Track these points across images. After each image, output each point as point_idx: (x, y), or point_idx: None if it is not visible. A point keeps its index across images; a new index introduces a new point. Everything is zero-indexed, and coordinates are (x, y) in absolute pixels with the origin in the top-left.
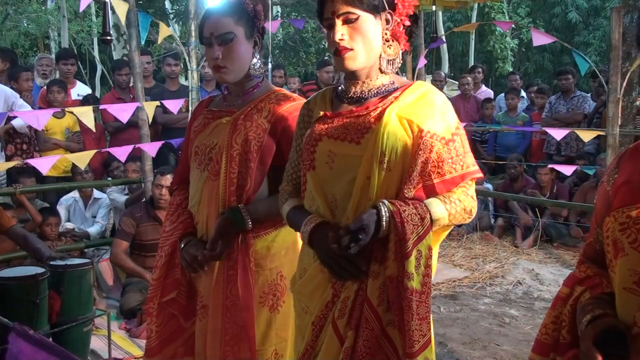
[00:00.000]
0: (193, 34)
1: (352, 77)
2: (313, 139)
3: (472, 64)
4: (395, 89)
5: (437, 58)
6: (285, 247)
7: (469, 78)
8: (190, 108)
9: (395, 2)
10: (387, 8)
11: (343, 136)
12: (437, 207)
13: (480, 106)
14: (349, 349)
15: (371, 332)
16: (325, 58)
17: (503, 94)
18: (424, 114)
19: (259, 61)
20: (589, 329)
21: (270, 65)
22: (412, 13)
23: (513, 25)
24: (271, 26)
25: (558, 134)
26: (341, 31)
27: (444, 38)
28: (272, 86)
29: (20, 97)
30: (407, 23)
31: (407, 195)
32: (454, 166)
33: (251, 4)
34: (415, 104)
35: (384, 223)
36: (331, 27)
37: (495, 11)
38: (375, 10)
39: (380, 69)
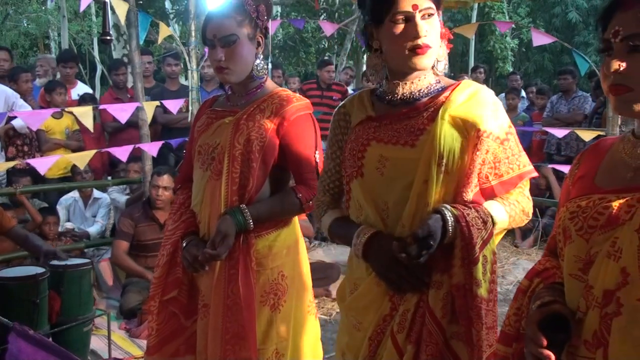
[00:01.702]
0: (193, 34)
1: (403, 77)
2: (360, 144)
3: (472, 63)
4: (444, 89)
5: None
6: (286, 247)
7: (466, 77)
8: (190, 108)
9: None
10: (440, 4)
11: (395, 139)
12: (498, 210)
13: None
14: None
15: (435, 346)
16: (325, 58)
17: (503, 94)
18: (478, 114)
19: (262, 62)
20: (535, 313)
21: (269, 66)
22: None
23: (513, 25)
24: (271, 26)
25: (558, 133)
26: (425, 27)
27: None
28: (275, 86)
29: (21, 97)
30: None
31: (466, 199)
32: (510, 166)
33: (254, 5)
34: (467, 104)
35: (450, 228)
36: (407, 21)
37: (495, 11)
38: (438, 6)
39: (432, 69)
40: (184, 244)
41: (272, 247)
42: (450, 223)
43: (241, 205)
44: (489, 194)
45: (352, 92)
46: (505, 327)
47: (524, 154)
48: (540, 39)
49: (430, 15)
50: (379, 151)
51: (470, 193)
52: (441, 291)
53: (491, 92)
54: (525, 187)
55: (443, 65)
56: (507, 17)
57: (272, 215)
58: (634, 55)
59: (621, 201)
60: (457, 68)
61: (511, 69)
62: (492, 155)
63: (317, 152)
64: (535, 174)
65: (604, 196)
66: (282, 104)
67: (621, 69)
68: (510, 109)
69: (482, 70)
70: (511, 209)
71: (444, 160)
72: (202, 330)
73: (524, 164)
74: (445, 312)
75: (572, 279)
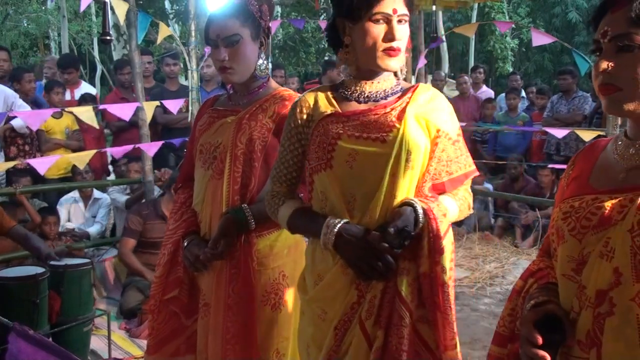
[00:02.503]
0: (193, 34)
1: (369, 76)
2: (331, 137)
3: (472, 63)
4: (405, 90)
5: (437, 58)
6: (287, 246)
7: (466, 77)
8: (190, 108)
9: None
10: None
11: (366, 135)
12: (451, 204)
13: (481, 106)
14: (379, 348)
15: (405, 328)
16: (326, 58)
17: (503, 94)
18: (438, 115)
19: (265, 61)
20: (531, 313)
21: (270, 66)
22: None
23: (513, 25)
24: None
25: (558, 133)
26: (400, 31)
27: (444, 38)
28: (277, 86)
29: (21, 98)
30: None
31: (425, 193)
32: (459, 165)
33: (256, 4)
34: (427, 105)
35: (421, 219)
36: (385, 23)
37: (495, 11)
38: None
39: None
40: (185, 244)
41: (273, 247)
42: (421, 215)
43: (243, 205)
44: (439, 189)
45: None
46: (499, 327)
47: (469, 155)
48: (540, 39)
49: (405, 21)
50: (349, 145)
51: (426, 188)
52: (409, 277)
53: (444, 96)
54: (468, 184)
55: (405, 71)
56: (507, 17)
57: None
58: (622, 55)
59: (614, 201)
60: (457, 68)
61: (511, 69)
62: (446, 154)
63: None
64: (477, 173)
65: (596, 196)
66: (285, 104)
67: (609, 68)
68: (511, 109)
69: (482, 70)
70: (460, 204)
71: (411, 156)
72: (202, 329)
73: (470, 164)
74: (413, 297)
75: (565, 279)
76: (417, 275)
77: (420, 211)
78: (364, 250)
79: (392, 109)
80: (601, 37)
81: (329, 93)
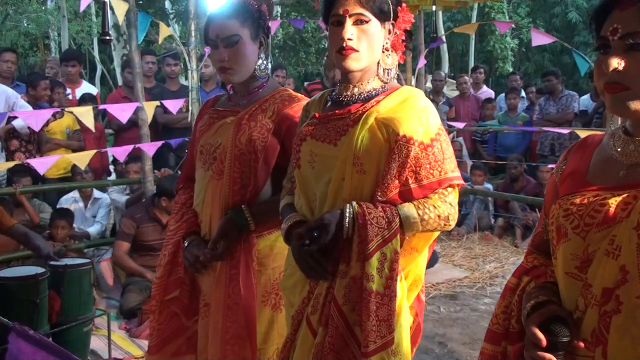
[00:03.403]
0: (193, 34)
1: (346, 80)
2: (299, 138)
3: (472, 63)
4: (385, 94)
5: (437, 58)
6: (288, 247)
7: (466, 77)
8: (190, 108)
9: (398, 14)
10: (391, 18)
11: (323, 137)
12: (409, 212)
13: (481, 106)
14: (319, 344)
15: (336, 329)
16: (325, 58)
17: (503, 94)
18: (402, 118)
19: (265, 61)
20: (535, 316)
21: (270, 66)
22: (408, 28)
23: (513, 25)
24: (271, 26)
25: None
26: (351, 31)
27: (444, 38)
28: (277, 86)
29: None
30: (403, 37)
31: (380, 199)
32: (431, 171)
33: (256, 4)
34: (395, 109)
35: (346, 224)
36: (339, 25)
37: (495, 11)
38: (383, 18)
39: (377, 76)
40: (186, 244)
41: (273, 247)
42: (347, 219)
43: (242, 206)
44: (407, 196)
45: None
46: (492, 325)
47: (450, 161)
48: (540, 39)
49: (364, 21)
50: (310, 147)
51: (387, 194)
52: (344, 280)
53: (425, 99)
54: (448, 193)
55: (392, 73)
56: (507, 17)
57: (273, 215)
58: (632, 54)
59: (617, 199)
60: (457, 68)
61: (511, 69)
62: (415, 159)
63: None
64: (461, 182)
65: (597, 193)
66: (284, 104)
67: (620, 67)
68: (511, 109)
69: (482, 70)
70: (424, 212)
71: (360, 161)
72: (203, 329)
73: (446, 171)
74: (346, 300)
75: (569, 278)
76: (350, 278)
77: (347, 215)
78: (300, 249)
79: (354, 113)
80: (610, 35)
81: (325, 96)
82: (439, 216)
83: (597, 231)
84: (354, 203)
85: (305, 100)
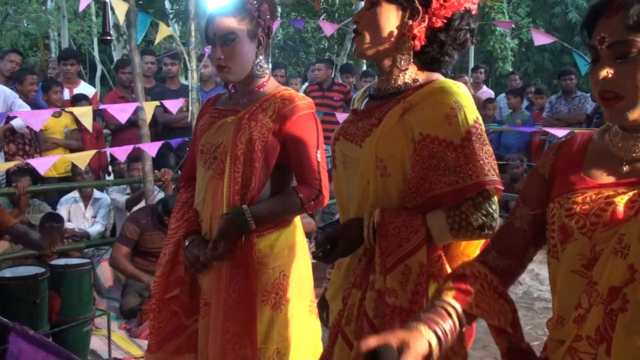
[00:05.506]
0: (193, 34)
1: (380, 71)
2: (334, 137)
3: (472, 64)
4: (416, 88)
5: None
6: (288, 246)
7: (466, 77)
8: (190, 108)
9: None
10: (416, 2)
11: (352, 137)
12: (437, 221)
13: (481, 106)
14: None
15: None
16: (325, 58)
17: (504, 94)
18: (427, 116)
19: (263, 60)
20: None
21: (270, 65)
22: (448, 16)
23: (513, 25)
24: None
25: (559, 133)
26: (360, 14)
27: None
28: (277, 85)
29: (21, 98)
30: (438, 24)
31: (407, 204)
32: (461, 175)
33: (255, 4)
34: (421, 105)
35: (365, 235)
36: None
37: (495, 11)
38: (399, 2)
39: (414, 67)
40: (186, 244)
41: (273, 247)
42: (366, 230)
43: (242, 206)
44: (436, 202)
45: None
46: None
47: (485, 162)
48: (540, 39)
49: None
50: (341, 147)
51: (415, 199)
52: (373, 293)
53: (458, 93)
54: (484, 199)
55: (406, 60)
56: (507, 17)
57: (273, 215)
58: (622, 63)
59: (623, 197)
60: (457, 68)
61: (511, 69)
62: (443, 161)
63: (318, 151)
64: (498, 187)
65: (600, 191)
66: (285, 104)
67: (610, 76)
68: (510, 109)
69: (482, 70)
70: (454, 221)
71: (384, 164)
72: (203, 329)
73: (480, 174)
74: (377, 313)
75: (574, 275)
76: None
77: (366, 225)
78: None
79: (379, 111)
80: (599, 44)
81: (368, 89)
82: (471, 225)
83: (603, 230)
84: (377, 211)
85: (306, 100)
